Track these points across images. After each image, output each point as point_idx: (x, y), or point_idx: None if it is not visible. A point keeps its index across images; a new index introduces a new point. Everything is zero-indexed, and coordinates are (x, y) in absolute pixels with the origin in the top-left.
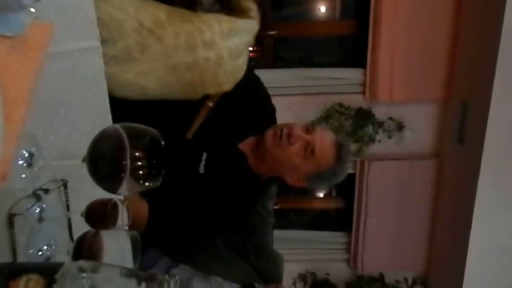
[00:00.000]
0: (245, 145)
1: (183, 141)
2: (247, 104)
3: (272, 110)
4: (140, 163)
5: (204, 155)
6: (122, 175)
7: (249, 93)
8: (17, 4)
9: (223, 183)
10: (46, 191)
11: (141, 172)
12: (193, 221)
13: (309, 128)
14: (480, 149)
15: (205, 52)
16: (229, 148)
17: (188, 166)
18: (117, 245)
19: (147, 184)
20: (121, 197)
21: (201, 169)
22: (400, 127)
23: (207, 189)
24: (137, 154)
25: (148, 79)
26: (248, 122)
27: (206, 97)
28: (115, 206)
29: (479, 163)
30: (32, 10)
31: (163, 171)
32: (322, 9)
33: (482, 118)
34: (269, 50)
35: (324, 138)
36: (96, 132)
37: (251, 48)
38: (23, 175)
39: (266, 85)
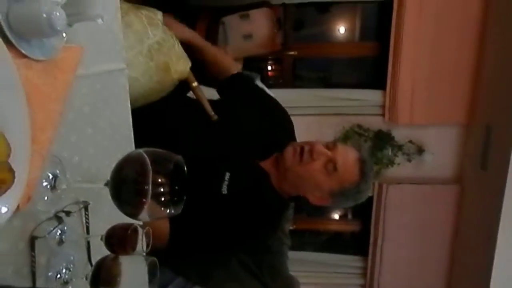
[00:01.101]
0: (268, 164)
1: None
2: (265, 121)
3: (290, 126)
4: (162, 189)
5: (227, 175)
6: (144, 200)
7: (265, 109)
8: (50, 29)
9: (247, 204)
10: (68, 213)
11: (163, 198)
12: (216, 242)
13: (330, 145)
14: (504, 175)
15: (165, 28)
16: (252, 167)
17: (211, 187)
18: (135, 271)
19: (168, 210)
20: (141, 222)
21: (224, 190)
22: (420, 150)
23: (230, 210)
24: (159, 179)
25: (133, 70)
26: (268, 139)
27: (185, 83)
28: (135, 231)
29: (503, 190)
30: (64, 34)
31: (185, 198)
32: (342, 30)
33: (506, 143)
34: (288, 70)
35: (347, 154)
36: (119, 153)
37: (269, 68)
38: (46, 197)
39: (284, 104)
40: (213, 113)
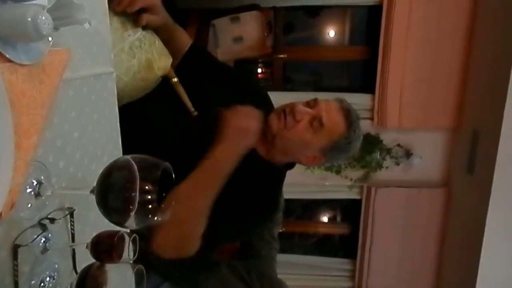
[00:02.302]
0: None
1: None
2: (233, 95)
3: (267, 98)
4: (149, 196)
5: None
6: (130, 207)
7: (230, 82)
8: (36, 34)
9: (240, 179)
10: (52, 220)
11: (150, 205)
12: (219, 225)
13: (310, 103)
14: (490, 179)
15: (143, 27)
16: None
17: None
18: (121, 279)
19: (156, 218)
20: (128, 230)
21: None
22: (408, 154)
23: (224, 189)
24: (147, 187)
25: (116, 68)
26: None
27: (166, 79)
28: (122, 239)
29: (489, 193)
30: (50, 38)
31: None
32: (332, 34)
33: (492, 148)
34: (279, 73)
35: (330, 107)
36: (106, 157)
37: (260, 70)
38: (30, 204)
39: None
40: (193, 109)
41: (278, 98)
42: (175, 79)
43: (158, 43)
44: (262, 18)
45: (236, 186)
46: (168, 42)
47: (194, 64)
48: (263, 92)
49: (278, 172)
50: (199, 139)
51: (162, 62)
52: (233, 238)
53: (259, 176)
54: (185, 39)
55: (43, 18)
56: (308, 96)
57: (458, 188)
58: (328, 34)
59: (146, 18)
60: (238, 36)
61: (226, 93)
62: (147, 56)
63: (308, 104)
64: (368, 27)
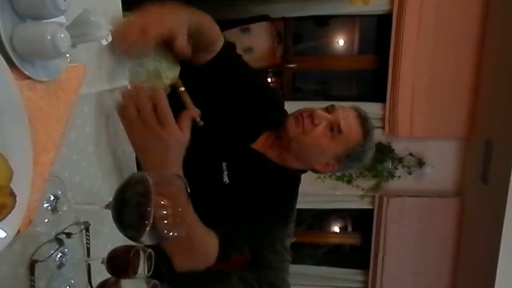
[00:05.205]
0: (260, 144)
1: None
2: (245, 100)
3: (279, 103)
4: (165, 211)
5: (224, 165)
6: (146, 222)
7: (244, 87)
8: (55, 51)
9: (255, 188)
10: (69, 235)
11: (165, 220)
12: (239, 234)
13: (329, 108)
14: (505, 189)
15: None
16: (245, 151)
17: (212, 181)
18: None
19: (171, 233)
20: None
21: (226, 180)
22: (421, 163)
23: (239, 198)
24: (162, 202)
25: None
26: (252, 118)
27: (173, 88)
28: (137, 254)
29: (505, 203)
30: (67, 55)
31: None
32: (341, 43)
33: (507, 157)
34: (288, 83)
35: (348, 114)
36: (121, 171)
37: (270, 80)
38: (46, 220)
39: None
40: (199, 119)
41: (288, 108)
42: (182, 88)
43: (166, 51)
44: (272, 28)
45: (251, 193)
46: (199, 35)
47: (223, 66)
48: (281, 109)
49: (292, 175)
50: (204, 151)
51: (171, 72)
52: (251, 242)
53: (273, 180)
54: (215, 31)
55: (62, 35)
56: (319, 105)
57: (472, 197)
58: (338, 43)
59: (180, 49)
60: (248, 47)
61: (238, 106)
62: (155, 65)
63: (326, 109)
64: (378, 36)
